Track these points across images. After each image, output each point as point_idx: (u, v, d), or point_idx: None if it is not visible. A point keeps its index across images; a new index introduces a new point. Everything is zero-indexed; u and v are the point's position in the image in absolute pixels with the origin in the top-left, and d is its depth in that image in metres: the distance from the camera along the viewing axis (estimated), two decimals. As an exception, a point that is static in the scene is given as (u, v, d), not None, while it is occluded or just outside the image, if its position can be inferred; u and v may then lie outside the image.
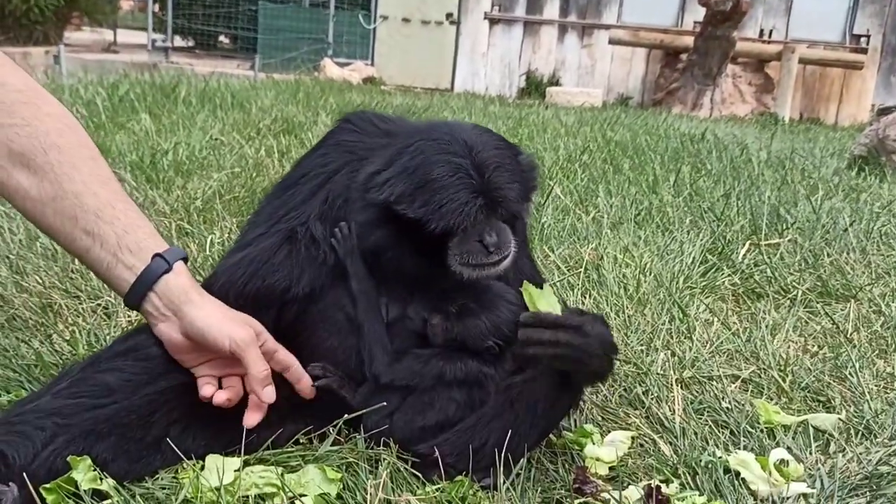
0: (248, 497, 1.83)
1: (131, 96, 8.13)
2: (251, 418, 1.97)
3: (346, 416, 2.04)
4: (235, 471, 1.87)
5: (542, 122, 9.42)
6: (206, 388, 1.96)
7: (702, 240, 4.21)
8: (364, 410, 2.03)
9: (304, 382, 2.04)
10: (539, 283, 2.30)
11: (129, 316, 2.87)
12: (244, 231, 2.21)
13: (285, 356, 2.02)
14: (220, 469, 1.84)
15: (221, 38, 21.84)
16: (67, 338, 2.60)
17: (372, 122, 2.18)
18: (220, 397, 1.96)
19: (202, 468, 1.89)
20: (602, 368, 2.03)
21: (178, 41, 20.72)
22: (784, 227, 4.62)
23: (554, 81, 17.92)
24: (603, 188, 5.38)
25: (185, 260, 1.97)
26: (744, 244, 4.28)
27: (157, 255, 1.90)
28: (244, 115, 8.09)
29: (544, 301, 2.04)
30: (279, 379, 2.04)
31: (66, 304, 2.91)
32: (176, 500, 1.75)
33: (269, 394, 1.95)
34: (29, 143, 1.88)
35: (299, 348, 2.07)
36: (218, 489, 1.78)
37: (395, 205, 1.93)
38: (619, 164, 6.37)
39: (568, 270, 3.70)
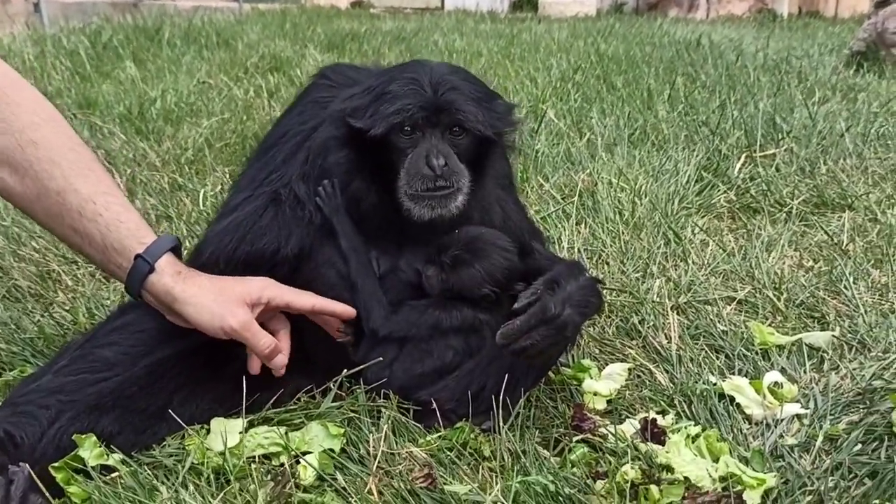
0: (254, 458, 1.88)
1: (115, 43, 8.00)
2: (254, 366, 2.00)
3: (346, 371, 2.07)
4: (240, 433, 1.91)
5: (534, 40, 9.25)
6: (255, 366, 2.00)
7: (696, 157, 4.18)
8: (364, 365, 2.06)
9: (339, 310, 2.04)
10: (530, 231, 2.31)
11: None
12: (230, 195, 2.20)
13: (302, 301, 2.01)
14: (224, 433, 1.89)
15: (203, -31, 21.27)
16: (68, 308, 2.63)
17: (346, 74, 2.16)
18: (278, 366, 2.01)
19: (208, 433, 1.94)
20: (590, 312, 2.02)
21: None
22: (780, 136, 4.58)
23: (546, -8, 17.48)
24: (597, 108, 5.33)
25: (174, 248, 1.94)
26: (739, 158, 4.25)
27: (138, 255, 1.88)
28: (231, 53, 7.98)
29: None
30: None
31: (64, 271, 2.93)
32: (183, 467, 1.79)
33: (279, 363, 1.99)
34: (5, 141, 1.85)
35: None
36: (223, 453, 1.83)
37: (349, 117, 1.96)
38: (613, 81, 6.28)
39: (563, 199, 3.69)
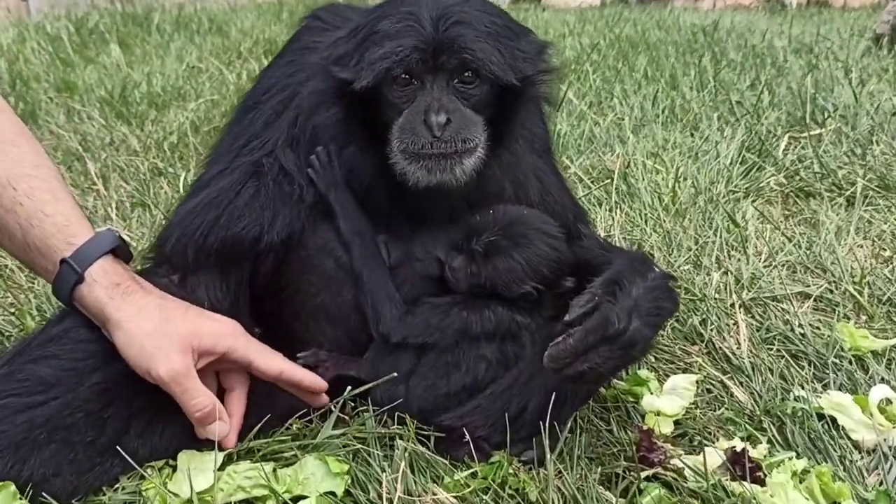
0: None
1: (101, 28, 7.56)
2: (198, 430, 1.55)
3: (350, 389, 1.64)
4: (215, 471, 1.48)
5: (544, 23, 8.80)
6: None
7: (737, 137, 3.74)
8: (374, 382, 1.63)
9: (307, 383, 1.62)
10: (575, 210, 1.89)
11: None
12: (203, 168, 1.77)
13: (267, 364, 1.58)
14: (193, 471, 1.46)
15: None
16: (13, 310, 2.19)
17: (344, 16, 1.73)
18: (228, 441, 1.57)
19: (174, 471, 1.51)
20: (662, 321, 1.59)
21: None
22: (825, 115, 4.15)
23: (549, -18, 17.03)
24: (619, 88, 4.88)
25: (115, 249, 1.52)
26: (782, 138, 3.82)
27: (63, 260, 1.47)
28: (223, 39, 7.53)
29: None
30: (273, 341, 1.65)
31: (18, 267, 2.49)
32: (137, 521, 1.36)
33: (213, 432, 1.52)
34: None
35: (282, 309, 1.67)
36: (191, 500, 1.40)
37: (334, 66, 1.52)
38: (633, 61, 5.84)
39: (592, 183, 3.26)
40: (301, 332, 1.68)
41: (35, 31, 7.60)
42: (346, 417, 1.67)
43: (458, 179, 1.54)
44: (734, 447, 1.56)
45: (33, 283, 2.42)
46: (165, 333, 1.45)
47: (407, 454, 1.54)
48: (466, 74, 1.51)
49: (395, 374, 1.62)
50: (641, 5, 14.85)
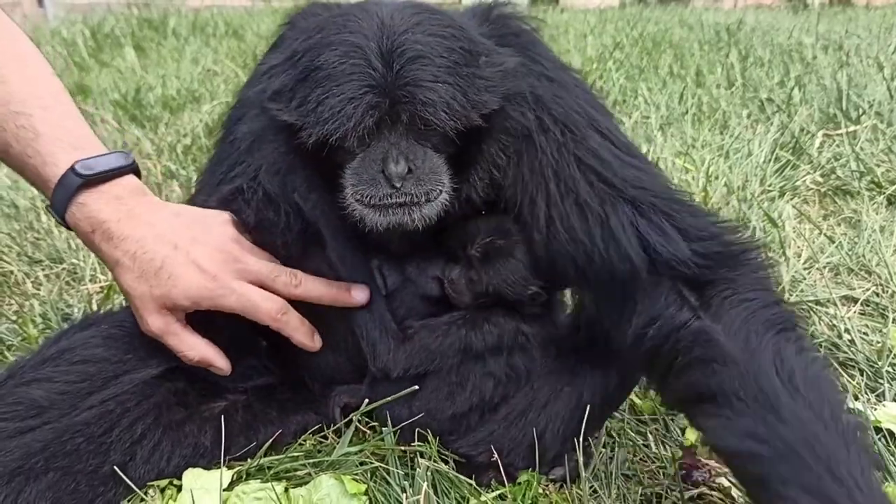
0: (240, 529, 1.34)
1: (116, 32, 7.51)
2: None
3: (367, 402, 1.52)
4: (223, 489, 1.37)
5: (564, 24, 8.68)
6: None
7: (770, 134, 3.59)
8: (390, 398, 1.51)
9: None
10: None
11: (99, 279, 2.36)
12: (191, 197, 1.67)
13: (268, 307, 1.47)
14: (199, 492, 1.35)
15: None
16: (16, 318, 2.08)
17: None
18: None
19: (178, 490, 1.40)
20: None
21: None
22: (860, 112, 3.99)
23: (567, -17, 16.90)
24: (643, 86, 4.75)
25: (84, 184, 1.37)
26: (816, 135, 3.67)
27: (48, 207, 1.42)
28: (239, 42, 7.46)
29: None
30: (281, 359, 1.55)
31: (26, 273, 2.41)
32: (136, 549, 1.25)
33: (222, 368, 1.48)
34: None
35: (275, 342, 1.56)
36: (196, 526, 1.29)
37: (269, 103, 1.31)
38: (657, 59, 5.70)
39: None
40: (305, 358, 1.56)
41: (51, 35, 7.57)
42: (366, 431, 1.55)
43: (418, 225, 1.35)
44: (786, 465, 1.43)
45: (38, 290, 2.32)
46: (139, 295, 1.38)
47: (429, 473, 1.42)
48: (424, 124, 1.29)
49: (415, 388, 1.50)
50: (662, 5, 14.72)
